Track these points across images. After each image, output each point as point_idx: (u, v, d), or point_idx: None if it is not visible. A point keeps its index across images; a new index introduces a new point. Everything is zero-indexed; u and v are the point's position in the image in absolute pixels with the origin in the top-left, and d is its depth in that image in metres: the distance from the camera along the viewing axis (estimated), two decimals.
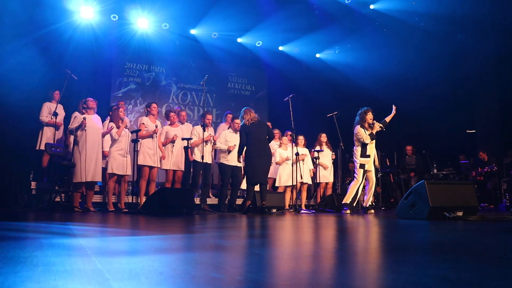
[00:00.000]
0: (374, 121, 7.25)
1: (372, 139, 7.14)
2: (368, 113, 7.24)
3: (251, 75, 12.71)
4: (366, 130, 7.16)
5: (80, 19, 9.93)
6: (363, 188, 7.33)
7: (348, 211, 7.07)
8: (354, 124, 7.33)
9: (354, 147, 7.30)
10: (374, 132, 7.20)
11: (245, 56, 12.35)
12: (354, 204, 7.23)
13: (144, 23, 10.78)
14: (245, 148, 6.88)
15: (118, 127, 6.91)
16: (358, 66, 12.17)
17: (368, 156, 7.14)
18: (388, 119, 7.39)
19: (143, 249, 2.05)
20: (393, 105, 7.42)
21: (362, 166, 7.15)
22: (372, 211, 7.11)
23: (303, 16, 11.38)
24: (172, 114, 7.82)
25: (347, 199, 7.11)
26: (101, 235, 2.89)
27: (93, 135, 6.75)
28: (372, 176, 7.21)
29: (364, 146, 7.16)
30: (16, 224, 3.61)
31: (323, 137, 9.02)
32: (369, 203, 7.14)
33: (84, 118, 6.65)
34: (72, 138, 7.19)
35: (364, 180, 7.18)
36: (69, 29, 9.65)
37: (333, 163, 9.22)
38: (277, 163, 8.40)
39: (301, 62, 13.02)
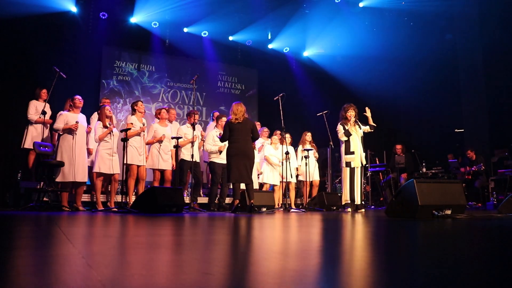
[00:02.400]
0: (351, 117, 7.23)
1: (346, 136, 7.17)
2: (349, 110, 7.28)
3: (241, 74, 12.70)
4: (346, 126, 7.21)
5: (69, 17, 9.85)
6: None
7: (349, 210, 7.08)
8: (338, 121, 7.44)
9: (340, 145, 7.40)
10: (350, 128, 7.20)
11: (235, 55, 12.35)
12: (359, 202, 7.18)
13: (133, 21, 10.74)
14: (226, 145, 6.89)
15: (104, 126, 6.86)
16: (348, 66, 12.22)
17: (353, 153, 7.15)
18: (370, 121, 7.40)
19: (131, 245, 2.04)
20: (366, 108, 7.44)
21: (348, 164, 7.16)
22: (363, 210, 7.14)
23: (293, 14, 11.41)
24: (163, 110, 7.79)
25: (344, 199, 7.19)
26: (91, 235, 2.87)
27: (80, 135, 6.70)
28: (357, 173, 7.17)
29: (347, 142, 7.20)
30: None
31: (308, 136, 9.07)
32: (359, 201, 7.17)
33: (77, 122, 6.60)
34: (56, 136, 7.12)
35: (353, 177, 7.16)
36: (57, 26, 9.57)
37: (322, 161, 9.27)
38: (266, 158, 8.49)
39: (291, 60, 13.05)
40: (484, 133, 11.01)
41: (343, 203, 7.31)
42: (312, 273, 1.35)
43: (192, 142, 7.35)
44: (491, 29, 10.65)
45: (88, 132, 6.93)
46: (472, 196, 9.79)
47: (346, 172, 7.20)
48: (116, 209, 6.43)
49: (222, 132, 7.05)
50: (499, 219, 4.62)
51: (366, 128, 7.41)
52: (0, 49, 8.42)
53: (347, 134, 7.18)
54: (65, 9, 9.76)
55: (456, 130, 11.41)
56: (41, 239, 2.45)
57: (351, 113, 7.27)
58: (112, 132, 6.85)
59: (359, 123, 7.36)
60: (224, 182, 7.95)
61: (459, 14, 11.41)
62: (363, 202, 7.35)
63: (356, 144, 7.20)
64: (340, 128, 7.29)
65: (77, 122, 6.60)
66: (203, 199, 8.29)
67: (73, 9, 9.85)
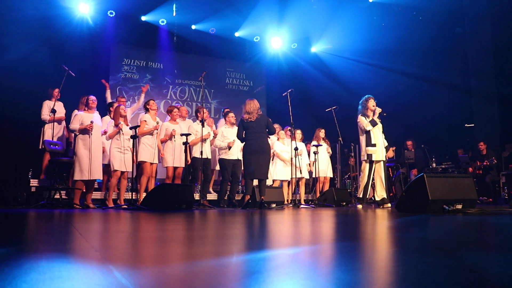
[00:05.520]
0: (377, 108, 6.97)
1: (373, 125, 6.87)
2: (370, 100, 7.01)
3: (249, 70, 12.70)
4: (367, 118, 6.93)
5: (77, 15, 9.91)
6: (372, 180, 7.04)
7: (360, 206, 6.91)
8: (357, 114, 7.13)
9: (360, 139, 7.09)
10: (375, 118, 6.93)
11: (243, 51, 12.35)
12: (385, 196, 6.88)
13: (141, 19, 10.79)
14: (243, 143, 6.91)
15: (117, 125, 6.90)
16: (356, 61, 12.17)
17: (374, 145, 6.85)
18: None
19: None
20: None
21: (369, 156, 6.86)
22: (389, 205, 6.81)
23: (300, 10, 11.36)
24: (175, 109, 7.84)
25: (359, 194, 7.00)
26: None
27: (96, 134, 6.75)
28: (381, 167, 6.90)
29: (368, 134, 6.90)
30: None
31: (322, 132, 9.06)
32: (377, 197, 6.90)
33: (92, 122, 6.65)
34: (73, 135, 7.18)
35: (372, 172, 6.88)
36: (66, 25, 9.63)
37: (330, 157, 9.27)
38: (277, 156, 8.50)
39: (299, 56, 13.01)
40: (495, 128, 10.91)
41: (358, 196, 7.06)
42: (327, 265, 1.35)
43: (203, 140, 7.37)
44: (502, 22, 10.53)
45: (103, 134, 6.97)
46: (483, 191, 9.71)
47: (367, 165, 6.89)
48: (126, 206, 6.47)
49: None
50: (510, 213, 4.59)
51: None
52: (10, 50, 8.48)
53: (373, 123, 6.87)
54: (74, 8, 9.81)
55: (466, 125, 11.33)
56: (55, 235, 2.48)
57: (373, 103, 6.99)
58: (121, 130, 6.88)
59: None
60: (234, 179, 7.97)
61: (469, 8, 11.29)
62: (373, 198, 7.11)
63: (378, 136, 6.92)
64: (362, 119, 6.96)
65: (92, 122, 6.65)
66: (213, 196, 8.31)
67: (82, 7, 9.89)
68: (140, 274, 1.16)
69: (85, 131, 6.64)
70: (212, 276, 1.11)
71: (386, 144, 7.31)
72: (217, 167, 8.41)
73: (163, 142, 7.52)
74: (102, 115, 7.62)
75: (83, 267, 1.28)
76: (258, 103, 6.92)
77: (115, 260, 1.42)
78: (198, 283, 1.04)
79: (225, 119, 8.18)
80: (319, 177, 8.83)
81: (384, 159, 7.03)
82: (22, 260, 1.38)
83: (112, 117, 7.19)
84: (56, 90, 7.61)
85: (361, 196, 6.98)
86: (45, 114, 7.55)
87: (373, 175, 6.94)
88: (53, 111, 7.23)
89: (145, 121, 7.14)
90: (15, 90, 8.47)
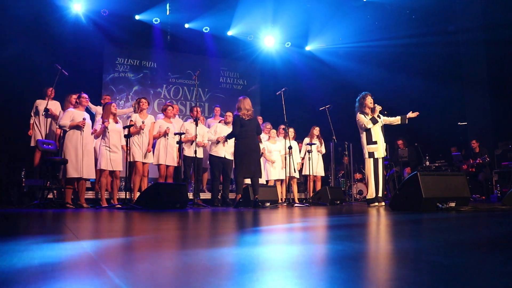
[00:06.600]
0: (375, 105, 6.92)
1: (374, 123, 6.80)
2: (367, 97, 6.94)
3: (243, 69, 12.68)
4: (366, 115, 6.87)
5: (71, 14, 9.86)
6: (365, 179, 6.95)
7: (376, 204, 6.68)
8: (355, 112, 7.04)
9: (360, 137, 7.00)
10: (375, 115, 6.86)
11: (237, 50, 12.34)
12: (381, 195, 6.77)
13: (135, 18, 10.75)
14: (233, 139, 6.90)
15: (103, 122, 6.85)
16: (350, 60, 12.20)
17: (375, 143, 6.80)
18: (408, 115, 7.05)
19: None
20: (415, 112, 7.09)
21: (371, 154, 6.80)
22: (383, 203, 6.75)
23: (294, 8, 11.37)
24: (169, 108, 7.83)
25: (370, 195, 6.80)
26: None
27: (87, 132, 6.70)
28: (380, 164, 6.82)
29: (368, 132, 6.84)
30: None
31: (316, 130, 9.05)
32: (381, 194, 6.80)
33: (84, 119, 6.60)
34: (61, 133, 7.13)
35: (377, 169, 6.76)
36: (60, 24, 9.57)
37: (324, 156, 9.26)
38: (264, 157, 8.47)
39: (292, 55, 13.01)
40: (488, 126, 10.97)
41: (368, 198, 6.91)
42: (320, 263, 1.36)
43: (193, 140, 7.36)
44: (494, 20, 10.58)
45: (93, 133, 6.93)
46: (475, 189, 9.76)
47: (370, 163, 6.80)
48: (120, 206, 6.44)
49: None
50: (503, 211, 4.62)
51: (389, 119, 7.07)
52: (3, 48, 8.42)
53: (374, 121, 6.80)
54: (66, 6, 9.76)
55: (459, 123, 11.38)
56: (48, 234, 2.46)
57: (370, 100, 6.91)
58: (107, 128, 6.83)
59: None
60: (226, 177, 7.96)
61: (462, 6, 11.35)
62: (380, 195, 6.84)
63: (378, 133, 6.87)
64: (361, 117, 6.86)
65: (84, 119, 6.60)
66: (207, 195, 8.30)
67: (75, 6, 9.84)
68: (133, 274, 1.16)
69: (77, 128, 6.59)
70: (205, 276, 1.11)
71: (399, 117, 7.12)
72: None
73: (155, 139, 7.49)
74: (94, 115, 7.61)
75: (77, 267, 1.28)
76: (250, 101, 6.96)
77: (109, 259, 1.42)
78: (192, 282, 1.04)
79: (224, 118, 8.25)
80: (309, 175, 8.79)
81: (384, 156, 6.99)
82: (15, 260, 1.37)
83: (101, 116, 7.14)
84: (50, 89, 7.55)
85: (380, 195, 6.78)
86: (31, 114, 7.57)
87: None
88: (46, 110, 7.19)
89: (132, 120, 7.08)
90: (7, 88, 8.42)
